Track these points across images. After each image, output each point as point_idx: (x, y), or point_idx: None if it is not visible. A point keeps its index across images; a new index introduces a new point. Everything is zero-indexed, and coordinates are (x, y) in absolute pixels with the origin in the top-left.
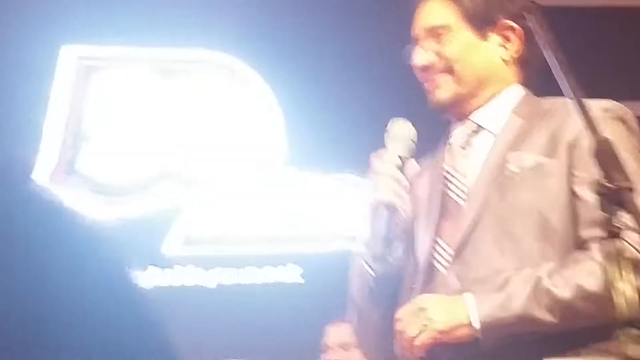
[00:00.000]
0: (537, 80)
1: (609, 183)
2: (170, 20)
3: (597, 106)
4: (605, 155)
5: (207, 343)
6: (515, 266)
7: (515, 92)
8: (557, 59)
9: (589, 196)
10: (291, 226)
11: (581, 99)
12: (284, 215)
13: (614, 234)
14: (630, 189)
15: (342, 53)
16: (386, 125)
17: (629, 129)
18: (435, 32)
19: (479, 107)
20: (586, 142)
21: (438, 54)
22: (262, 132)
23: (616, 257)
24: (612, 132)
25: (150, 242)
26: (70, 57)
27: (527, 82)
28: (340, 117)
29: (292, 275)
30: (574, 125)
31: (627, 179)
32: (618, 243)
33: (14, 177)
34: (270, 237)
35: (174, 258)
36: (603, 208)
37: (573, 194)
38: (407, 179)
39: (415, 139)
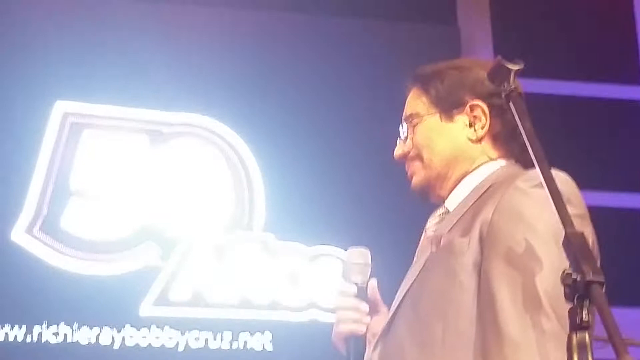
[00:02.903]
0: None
1: (578, 275)
2: (161, 84)
3: (522, 177)
4: (574, 246)
5: None
6: (419, 351)
7: (486, 169)
8: (532, 147)
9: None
10: (267, 293)
11: (555, 187)
12: (260, 282)
13: (581, 326)
14: (600, 284)
15: (329, 126)
16: (366, 200)
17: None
18: (410, 121)
19: (452, 189)
20: (501, 222)
21: (412, 142)
22: (243, 198)
23: (580, 350)
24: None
25: (128, 301)
26: (62, 113)
27: (512, 155)
28: (322, 189)
29: (263, 342)
30: (493, 203)
31: (597, 272)
32: (585, 336)
33: None
34: (246, 303)
35: (150, 318)
36: (568, 299)
37: (478, 273)
38: (369, 299)
39: (369, 261)
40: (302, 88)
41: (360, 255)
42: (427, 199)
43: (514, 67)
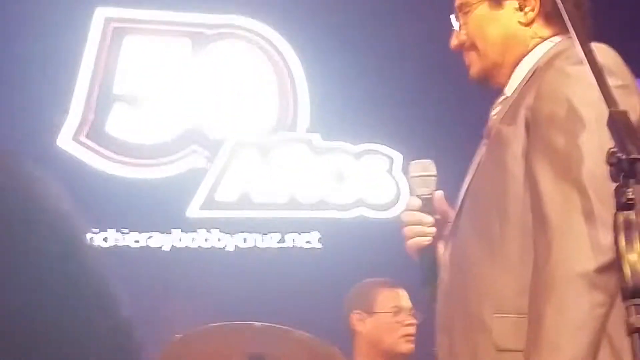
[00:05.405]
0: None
1: (621, 153)
2: None
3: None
4: (618, 124)
5: (227, 307)
6: (480, 246)
7: (540, 50)
8: (571, 24)
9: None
10: (314, 192)
11: (596, 63)
12: (306, 181)
13: (626, 205)
14: None
15: (373, 24)
16: (412, 97)
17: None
18: (462, 10)
19: (510, 75)
20: (542, 106)
21: (465, 31)
22: (288, 99)
23: (627, 228)
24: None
25: (176, 204)
26: (103, 19)
27: (566, 31)
28: (367, 87)
29: (311, 240)
30: (535, 87)
31: None
32: (631, 214)
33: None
34: (294, 203)
35: (198, 221)
36: (614, 178)
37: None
38: (437, 210)
39: (434, 172)
40: None
41: (423, 168)
42: (488, 86)
43: None
